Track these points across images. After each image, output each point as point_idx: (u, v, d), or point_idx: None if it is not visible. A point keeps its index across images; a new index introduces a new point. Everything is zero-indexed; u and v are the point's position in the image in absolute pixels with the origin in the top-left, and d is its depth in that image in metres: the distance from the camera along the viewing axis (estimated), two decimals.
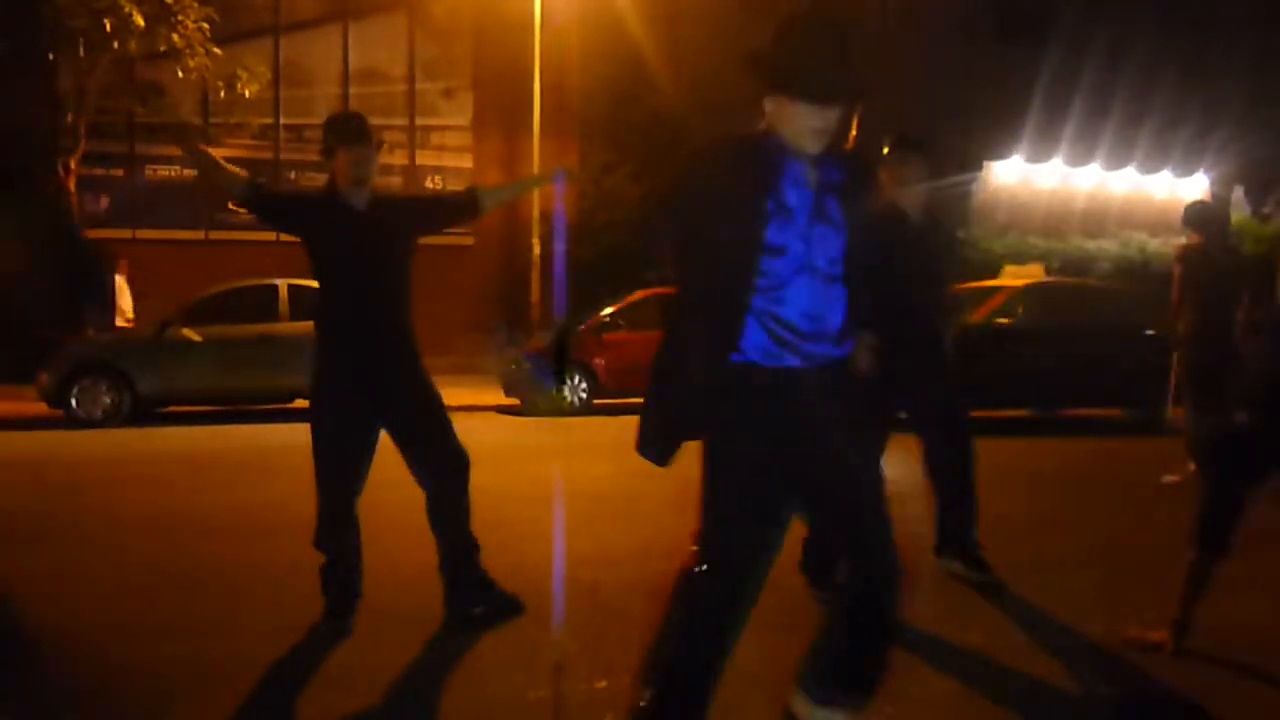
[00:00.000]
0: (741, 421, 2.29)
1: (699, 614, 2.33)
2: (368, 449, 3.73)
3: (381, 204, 3.80)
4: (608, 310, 12.68)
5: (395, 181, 18.50)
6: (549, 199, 17.33)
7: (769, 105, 2.28)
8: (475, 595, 3.75)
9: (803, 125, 2.24)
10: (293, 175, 19.01)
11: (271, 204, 3.89)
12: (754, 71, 2.29)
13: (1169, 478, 6.71)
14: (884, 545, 2.33)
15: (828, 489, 2.36)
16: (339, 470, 3.69)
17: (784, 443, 2.31)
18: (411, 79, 19.64)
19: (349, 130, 3.71)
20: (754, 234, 2.24)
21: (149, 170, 18.37)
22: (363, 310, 3.69)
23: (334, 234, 3.70)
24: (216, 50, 14.74)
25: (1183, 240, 7.18)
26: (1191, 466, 6.61)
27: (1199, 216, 6.91)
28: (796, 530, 2.50)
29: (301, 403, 11.89)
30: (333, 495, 3.69)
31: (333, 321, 3.74)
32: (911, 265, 3.93)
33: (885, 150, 4.16)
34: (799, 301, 2.27)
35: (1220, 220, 7.39)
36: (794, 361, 2.28)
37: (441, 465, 3.75)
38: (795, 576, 3.84)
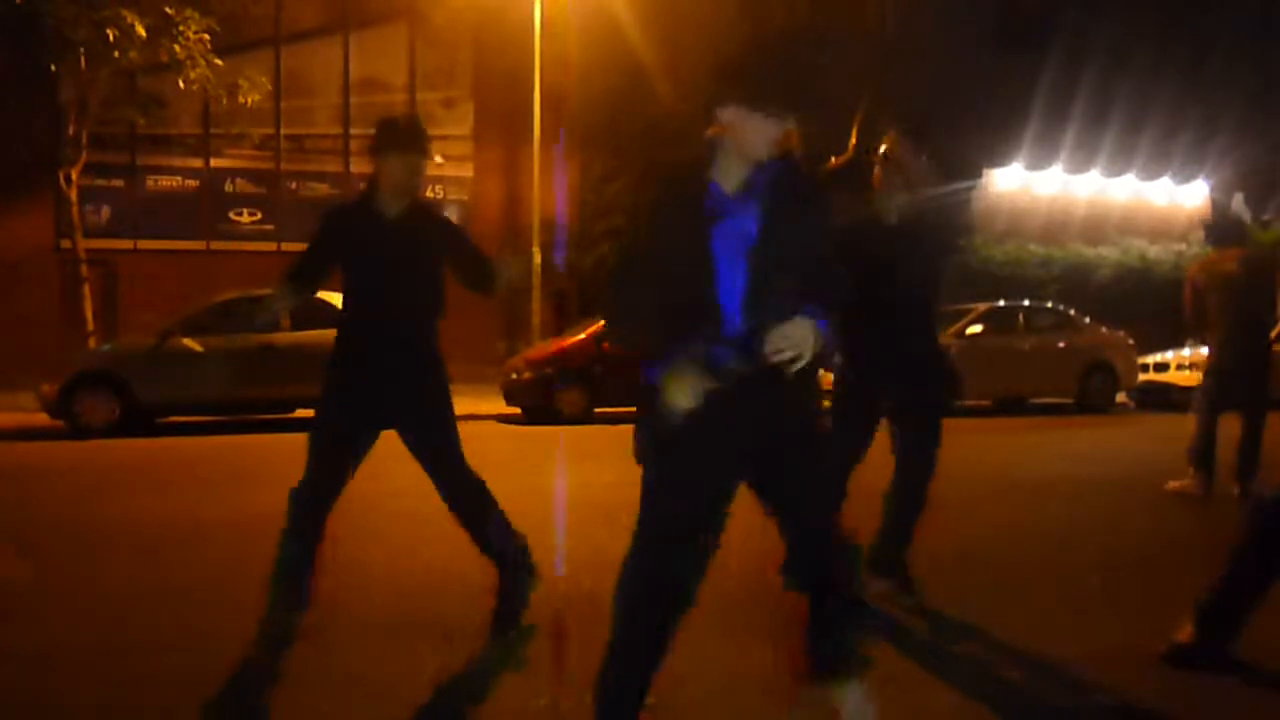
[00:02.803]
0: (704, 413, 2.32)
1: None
2: (360, 456, 3.70)
3: (418, 214, 3.72)
4: None
5: None
6: (549, 206, 17.38)
7: (724, 114, 2.35)
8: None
9: (756, 136, 2.33)
10: (294, 185, 19.06)
11: (313, 270, 3.76)
12: (718, 80, 2.38)
13: (1174, 484, 6.69)
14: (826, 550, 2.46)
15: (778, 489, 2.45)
16: (332, 472, 3.64)
17: (728, 430, 2.35)
18: (412, 89, 19.68)
19: (407, 137, 3.63)
20: (702, 241, 2.32)
21: (150, 181, 18.41)
22: (390, 320, 3.65)
23: (368, 242, 3.64)
24: (217, 61, 14.78)
25: (1184, 249, 7.23)
26: (1191, 472, 6.58)
27: (1235, 232, 7.04)
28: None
29: (303, 412, 11.96)
30: (319, 494, 3.64)
31: (358, 329, 3.69)
32: (890, 274, 3.85)
33: (882, 150, 4.08)
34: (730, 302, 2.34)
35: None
36: (727, 357, 2.32)
37: (449, 492, 3.74)
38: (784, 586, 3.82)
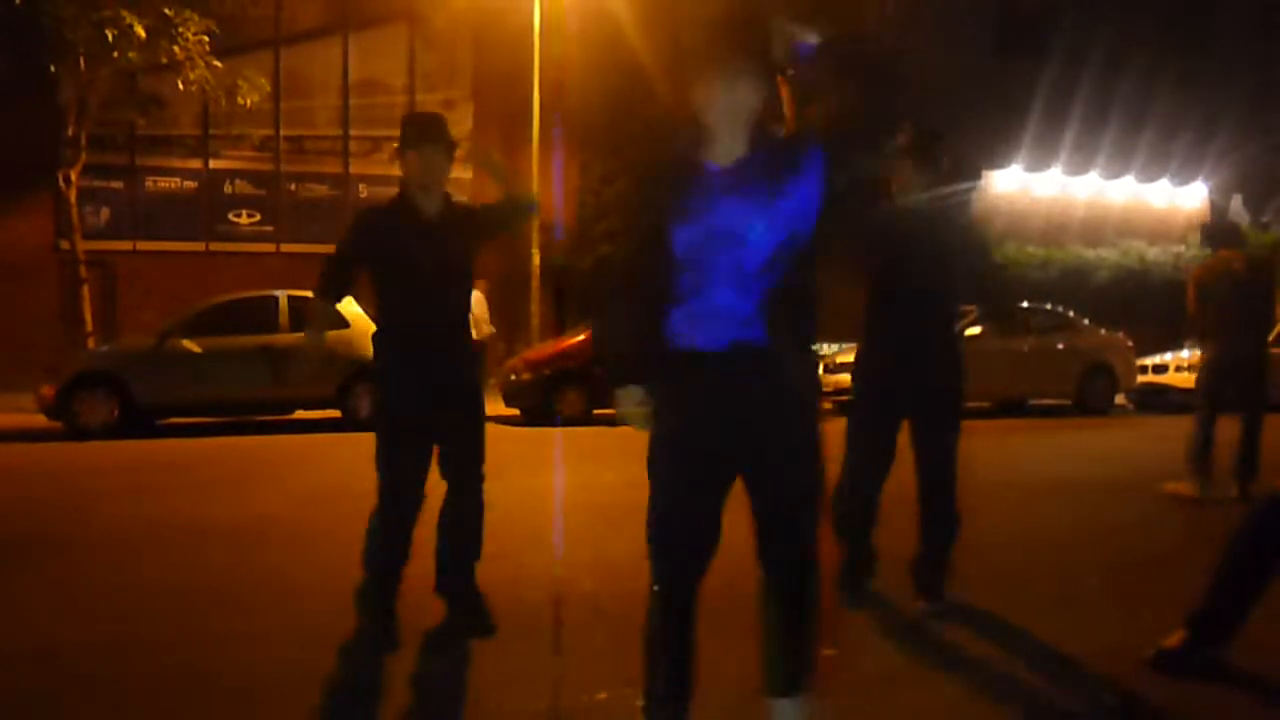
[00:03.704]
0: (663, 397, 2.49)
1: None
2: (429, 458, 3.68)
3: (453, 212, 3.73)
4: None
5: (392, 192, 18.52)
6: (548, 210, 17.38)
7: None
8: (465, 601, 3.74)
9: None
10: (293, 187, 19.06)
11: (346, 280, 3.81)
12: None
13: (1171, 485, 6.68)
14: (798, 537, 2.42)
15: (756, 475, 2.42)
16: (411, 483, 3.61)
17: (701, 420, 2.39)
18: (411, 90, 19.70)
19: (419, 131, 3.67)
20: (664, 217, 2.35)
21: (149, 182, 18.41)
22: (430, 320, 3.63)
23: (404, 243, 3.61)
24: (217, 62, 14.79)
25: (1182, 251, 7.29)
26: (1190, 474, 6.55)
27: (1232, 235, 7.12)
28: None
29: (303, 413, 11.96)
30: (402, 507, 3.61)
31: (399, 332, 3.65)
32: (904, 266, 3.84)
33: (901, 144, 4.05)
34: (714, 283, 2.33)
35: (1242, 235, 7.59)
36: (704, 342, 2.35)
37: (462, 480, 3.72)
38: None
